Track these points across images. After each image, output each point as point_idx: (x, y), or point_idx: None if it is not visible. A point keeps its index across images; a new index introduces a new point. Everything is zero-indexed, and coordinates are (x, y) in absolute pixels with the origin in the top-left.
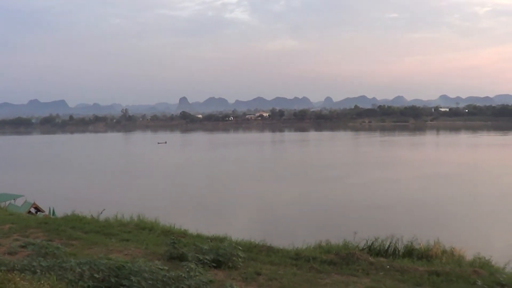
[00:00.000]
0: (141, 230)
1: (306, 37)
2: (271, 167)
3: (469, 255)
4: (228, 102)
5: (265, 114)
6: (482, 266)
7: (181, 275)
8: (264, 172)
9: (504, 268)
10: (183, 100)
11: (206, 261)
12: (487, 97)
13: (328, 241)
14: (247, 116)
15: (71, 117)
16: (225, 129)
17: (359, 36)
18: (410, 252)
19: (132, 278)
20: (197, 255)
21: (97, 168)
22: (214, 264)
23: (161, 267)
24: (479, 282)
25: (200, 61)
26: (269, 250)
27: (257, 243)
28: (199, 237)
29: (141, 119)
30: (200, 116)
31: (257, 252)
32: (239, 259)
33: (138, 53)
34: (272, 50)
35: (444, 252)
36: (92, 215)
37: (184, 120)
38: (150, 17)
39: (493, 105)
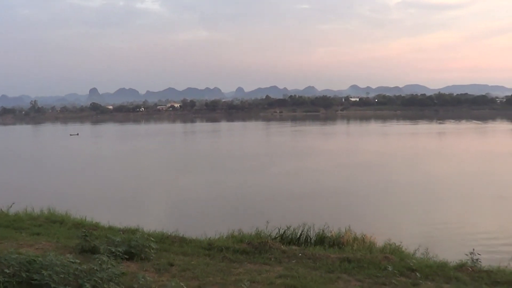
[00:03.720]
0: (52, 224)
1: (217, 27)
2: (184, 158)
3: (380, 242)
4: (139, 93)
5: (176, 105)
6: (392, 252)
7: (93, 268)
8: (177, 163)
9: (414, 253)
10: (93, 91)
11: (118, 253)
12: (397, 87)
13: (240, 230)
14: (158, 107)
15: None
16: (136, 120)
17: (271, 27)
18: (322, 240)
19: (44, 272)
20: (109, 247)
21: (6, 161)
22: (126, 256)
23: (73, 260)
24: (390, 268)
25: (111, 51)
26: (182, 241)
27: (169, 234)
28: (111, 229)
29: (50, 110)
30: (110, 107)
31: (170, 243)
32: (152, 251)
33: (48, 44)
34: (184, 40)
35: (355, 239)
36: (1, 209)
37: (95, 112)
38: (60, 7)
39: (402, 95)
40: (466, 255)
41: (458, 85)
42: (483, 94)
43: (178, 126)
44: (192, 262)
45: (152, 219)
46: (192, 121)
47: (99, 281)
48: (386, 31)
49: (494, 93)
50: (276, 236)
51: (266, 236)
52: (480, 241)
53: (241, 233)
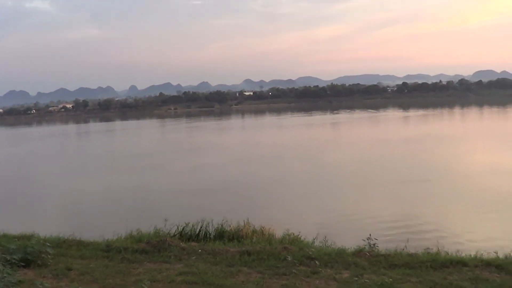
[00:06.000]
0: None
1: (108, 25)
2: (78, 159)
3: (279, 233)
4: (29, 94)
5: (68, 106)
6: (291, 242)
7: None
8: (71, 165)
9: (313, 242)
10: None
11: (14, 261)
12: (290, 79)
13: (139, 230)
14: (50, 109)
15: None
16: (28, 123)
17: (163, 23)
18: (221, 235)
19: None
20: (4, 255)
21: None
22: (23, 264)
23: None
24: (289, 258)
25: None
26: (79, 244)
27: (66, 238)
28: (5, 236)
29: None
30: (0, 110)
31: (67, 247)
32: (49, 256)
33: None
34: (75, 39)
35: (254, 231)
36: None
37: None
38: None
39: (296, 87)
40: (364, 240)
41: (351, 76)
42: (375, 83)
43: (71, 127)
44: (91, 265)
45: (47, 224)
46: (86, 121)
47: None
48: (279, 25)
49: (385, 82)
50: (175, 234)
51: (165, 234)
52: (377, 226)
53: (140, 233)
